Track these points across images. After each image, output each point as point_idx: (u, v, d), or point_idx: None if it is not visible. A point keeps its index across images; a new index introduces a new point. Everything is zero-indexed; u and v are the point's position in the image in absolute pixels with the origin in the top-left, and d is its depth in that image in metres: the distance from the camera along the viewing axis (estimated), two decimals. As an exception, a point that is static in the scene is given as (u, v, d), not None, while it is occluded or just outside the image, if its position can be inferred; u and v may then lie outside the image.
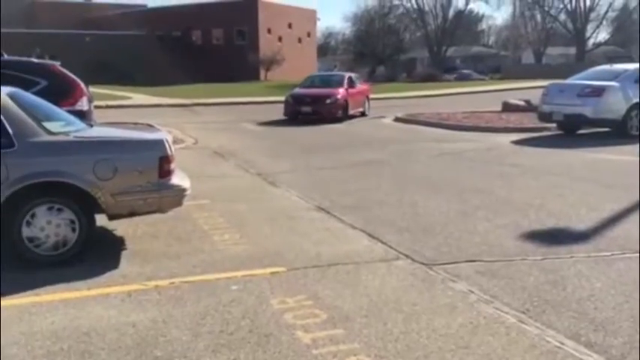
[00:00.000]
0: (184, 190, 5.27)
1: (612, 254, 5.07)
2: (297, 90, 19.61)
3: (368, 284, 4.44)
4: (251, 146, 12.83)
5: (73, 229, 4.89)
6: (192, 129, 15.71)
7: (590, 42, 64.29)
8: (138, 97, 29.63)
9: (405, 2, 60.63)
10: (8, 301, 4.11)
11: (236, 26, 52.78)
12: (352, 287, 4.37)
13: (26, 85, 6.47)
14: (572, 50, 62.39)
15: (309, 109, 18.24)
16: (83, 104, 7.90)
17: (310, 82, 21.13)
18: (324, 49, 76.39)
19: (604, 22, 64.46)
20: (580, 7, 60.04)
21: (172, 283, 4.47)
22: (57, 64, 8.33)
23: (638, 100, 13.18)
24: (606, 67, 15.56)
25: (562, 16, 62.30)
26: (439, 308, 3.99)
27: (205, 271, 4.75)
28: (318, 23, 65.69)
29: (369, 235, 5.75)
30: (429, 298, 4.18)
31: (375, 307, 4.01)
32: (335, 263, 4.89)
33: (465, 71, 56.82)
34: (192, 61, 48.91)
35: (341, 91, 18.90)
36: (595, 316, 3.83)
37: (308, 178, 8.99)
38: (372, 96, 21.97)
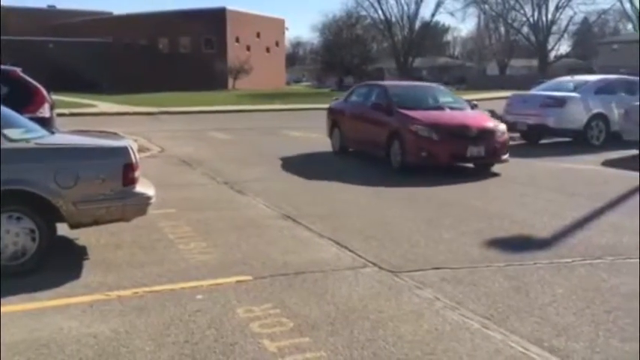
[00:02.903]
0: (149, 198, 5.19)
1: (573, 260, 5.18)
2: (425, 115, 10.28)
3: (335, 292, 4.43)
4: (218, 155, 12.74)
5: (33, 239, 4.77)
6: (158, 137, 15.53)
7: (552, 54, 65.92)
8: (103, 105, 29.18)
9: (372, 13, 61.25)
10: (-36, 313, 3.98)
11: (204, 35, 52.54)
12: (319, 295, 4.36)
13: (-15, 92, 6.31)
14: (535, 62, 63.82)
15: (480, 152, 9.76)
16: (45, 111, 7.76)
17: (417, 97, 11.51)
18: (292, 59, 76.63)
19: (565, 35, 66.25)
20: (542, 21, 61.50)
21: (136, 292, 4.39)
22: (18, 70, 8.16)
23: (598, 110, 13.56)
24: (567, 78, 15.98)
25: (525, 29, 63.74)
26: (405, 315, 4.01)
27: (170, 280, 4.68)
28: (287, 33, 65.95)
29: (337, 243, 5.75)
30: (396, 305, 4.19)
31: (341, 314, 4.00)
32: (302, 271, 4.88)
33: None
34: (160, 69, 48.48)
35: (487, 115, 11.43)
36: (557, 322, 3.89)
37: (276, 186, 8.96)
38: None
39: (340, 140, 12.62)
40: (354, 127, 12.12)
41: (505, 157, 10.13)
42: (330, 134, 13.12)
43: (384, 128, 10.69)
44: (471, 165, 10.23)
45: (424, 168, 9.84)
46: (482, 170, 10.15)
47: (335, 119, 13.01)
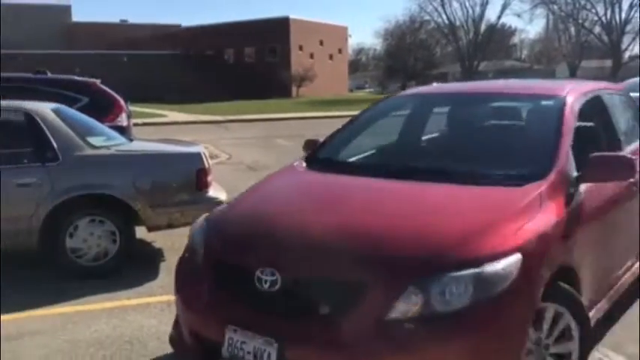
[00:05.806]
0: (221, 202, 5.33)
1: None
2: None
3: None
4: (285, 161, 12.90)
5: (114, 241, 5.01)
6: (225, 145, 15.91)
7: (627, 54, 63.12)
8: (173, 114, 30.15)
9: (436, 17, 60.52)
10: (52, 310, 4.23)
11: (268, 44, 53.45)
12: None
13: (69, 102, 6.68)
14: (609, 63, 61.31)
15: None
16: (122, 120, 8.11)
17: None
18: (355, 65, 76.73)
19: (640, 34, 63.25)
20: (615, 20, 59.07)
21: (210, 293, 4.52)
22: (97, 81, 8.58)
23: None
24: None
25: (597, 29, 61.38)
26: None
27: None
28: (349, 40, 66.10)
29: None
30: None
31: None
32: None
33: None
34: (225, 78, 49.69)
35: None
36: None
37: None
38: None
39: None
40: None
41: None
42: None
43: None
44: None
45: None
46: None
47: None
